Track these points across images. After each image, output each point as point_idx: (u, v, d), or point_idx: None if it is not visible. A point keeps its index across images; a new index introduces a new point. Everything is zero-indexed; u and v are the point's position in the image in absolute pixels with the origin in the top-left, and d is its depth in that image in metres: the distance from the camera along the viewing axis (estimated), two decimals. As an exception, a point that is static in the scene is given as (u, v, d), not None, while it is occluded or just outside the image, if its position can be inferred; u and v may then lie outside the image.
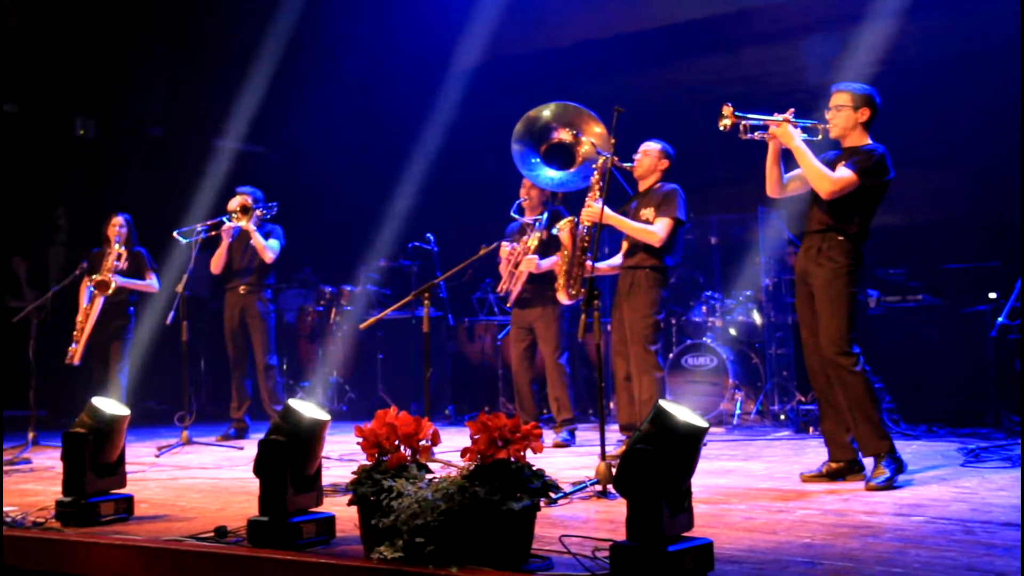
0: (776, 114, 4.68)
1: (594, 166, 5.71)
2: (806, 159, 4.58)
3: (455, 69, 9.82)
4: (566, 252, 5.90)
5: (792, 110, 4.68)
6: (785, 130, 4.63)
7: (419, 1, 10.00)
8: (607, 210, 5.50)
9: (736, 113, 4.66)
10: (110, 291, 7.04)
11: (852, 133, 4.65)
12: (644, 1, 9.66)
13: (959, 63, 7.85)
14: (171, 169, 10.17)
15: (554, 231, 6.12)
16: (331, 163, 10.38)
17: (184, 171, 9.62)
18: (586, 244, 5.72)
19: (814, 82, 8.36)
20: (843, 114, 4.63)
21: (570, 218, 5.96)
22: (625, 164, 5.78)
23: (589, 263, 5.34)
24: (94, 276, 7.07)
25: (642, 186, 5.94)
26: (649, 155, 5.89)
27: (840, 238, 4.57)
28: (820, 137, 4.72)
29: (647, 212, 5.79)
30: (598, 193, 5.60)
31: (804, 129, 4.69)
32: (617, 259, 6.01)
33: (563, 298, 5.92)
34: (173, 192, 9.35)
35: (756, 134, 4.72)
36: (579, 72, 9.58)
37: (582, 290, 5.70)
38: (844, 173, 4.52)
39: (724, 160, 8.37)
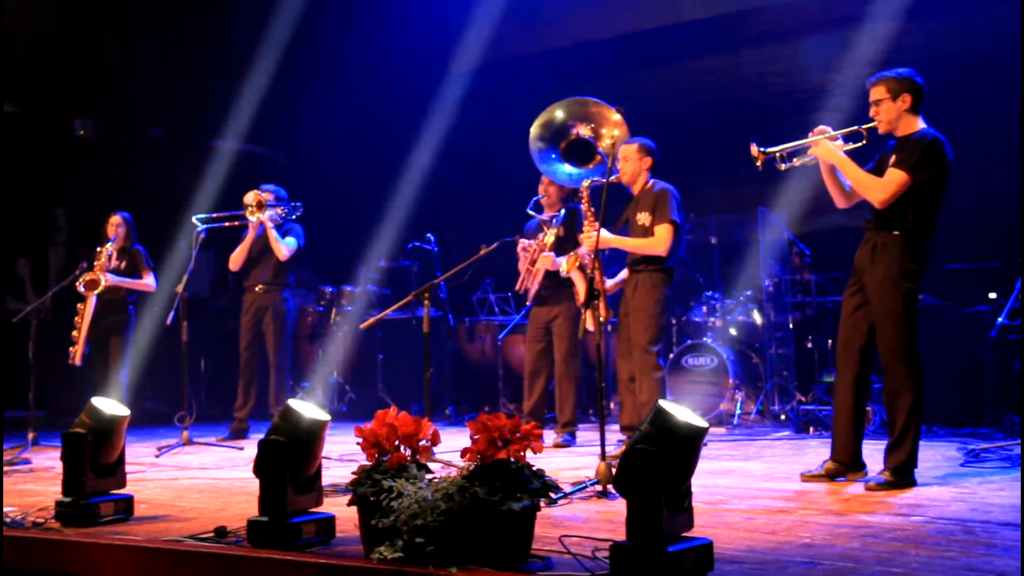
0: (810, 133, 4.57)
1: (580, 193, 5.71)
2: (851, 171, 4.47)
3: (455, 70, 9.83)
4: (583, 288, 5.83)
5: (827, 128, 4.55)
6: (823, 146, 4.52)
7: (419, 2, 10.00)
8: (606, 233, 5.48)
9: (761, 149, 4.55)
10: (99, 289, 7.01)
11: (900, 123, 4.46)
12: (644, 2, 9.65)
13: (959, 63, 7.83)
14: (171, 169, 10.17)
15: (562, 274, 6.10)
16: (331, 163, 10.37)
17: (184, 171, 9.62)
18: (596, 268, 5.66)
19: (814, 83, 8.37)
20: (884, 107, 4.46)
21: (572, 254, 5.95)
22: (611, 179, 5.72)
23: (608, 283, 5.39)
24: (84, 275, 7.06)
25: (634, 190, 5.93)
26: (629, 159, 5.85)
27: (895, 233, 4.40)
28: (865, 142, 4.55)
29: (643, 216, 5.78)
30: (592, 218, 5.54)
31: (846, 138, 4.56)
32: (624, 273, 6.01)
33: (592, 326, 5.81)
34: (173, 192, 9.35)
35: (795, 160, 4.62)
36: (579, 73, 9.58)
37: (610, 311, 5.66)
38: (893, 176, 4.36)
39: (724, 160, 8.36)
